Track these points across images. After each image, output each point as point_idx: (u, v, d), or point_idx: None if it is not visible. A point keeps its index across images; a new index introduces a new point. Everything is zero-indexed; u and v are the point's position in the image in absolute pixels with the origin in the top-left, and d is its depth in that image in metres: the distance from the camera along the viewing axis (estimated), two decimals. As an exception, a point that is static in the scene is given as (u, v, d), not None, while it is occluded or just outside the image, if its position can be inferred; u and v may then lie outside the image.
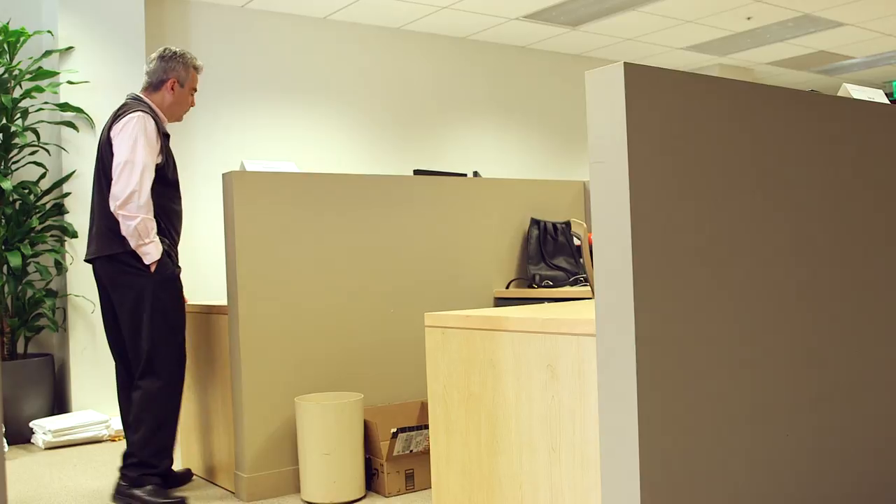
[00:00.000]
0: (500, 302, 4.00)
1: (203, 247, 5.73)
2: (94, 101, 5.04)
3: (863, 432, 2.26)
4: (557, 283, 4.03)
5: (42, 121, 5.00)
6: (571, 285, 4.03)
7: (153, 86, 3.41)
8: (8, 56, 4.87)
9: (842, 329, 2.20)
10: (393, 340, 3.71)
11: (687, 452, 1.80)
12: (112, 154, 3.22)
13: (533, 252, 4.12)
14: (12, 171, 4.91)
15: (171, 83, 3.39)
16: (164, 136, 3.35)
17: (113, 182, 3.17)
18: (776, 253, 2.03)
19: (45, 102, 4.97)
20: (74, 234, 4.95)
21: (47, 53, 5.02)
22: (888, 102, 2.47)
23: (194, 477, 3.75)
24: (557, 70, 7.93)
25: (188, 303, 3.69)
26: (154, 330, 3.25)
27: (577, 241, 4.23)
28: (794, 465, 2.05)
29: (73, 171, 5.02)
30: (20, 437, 4.66)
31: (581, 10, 6.66)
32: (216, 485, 3.63)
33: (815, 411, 2.11)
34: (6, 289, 4.76)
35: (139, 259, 3.20)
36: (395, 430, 3.23)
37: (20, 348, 4.94)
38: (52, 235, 4.98)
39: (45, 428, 4.53)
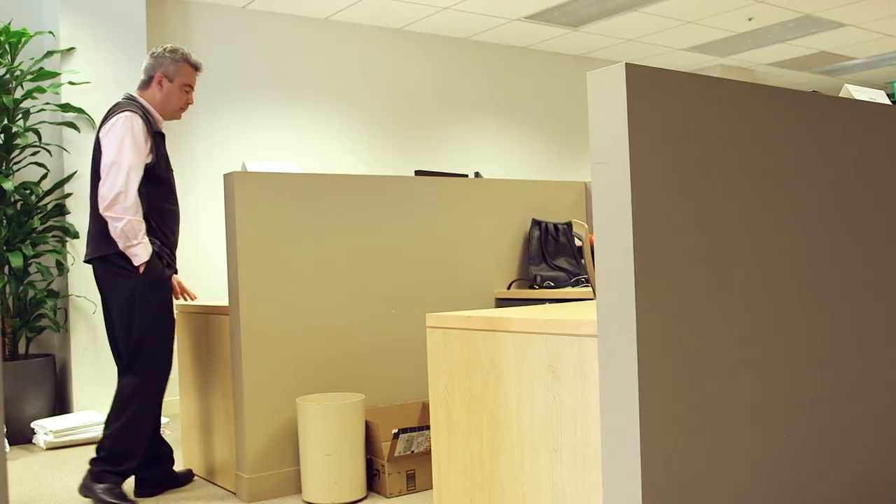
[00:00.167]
0: (502, 303, 4.00)
1: (204, 247, 5.74)
2: (96, 102, 5.04)
3: (864, 432, 2.26)
4: (559, 284, 4.03)
5: (43, 121, 5.00)
6: (573, 286, 4.03)
7: (144, 83, 3.41)
8: (9, 57, 4.88)
9: (843, 329, 2.20)
10: (394, 341, 3.71)
11: (688, 452, 1.80)
12: (101, 155, 3.23)
13: (534, 253, 4.12)
14: (14, 172, 4.91)
15: (158, 78, 3.38)
16: (157, 135, 3.33)
17: (101, 184, 3.18)
18: (777, 253, 2.03)
19: (47, 103, 4.97)
20: (76, 235, 4.95)
21: (49, 54, 5.02)
22: (890, 103, 2.47)
23: (195, 477, 3.75)
24: (559, 71, 7.93)
25: (195, 302, 3.70)
26: (140, 330, 3.25)
27: (578, 242, 4.23)
28: (794, 465, 2.05)
29: (75, 172, 5.03)
30: (21, 437, 4.66)
31: (582, 11, 6.66)
32: (217, 485, 3.64)
33: (815, 411, 2.11)
34: (8, 289, 4.77)
35: (129, 260, 3.20)
36: (396, 430, 3.23)
37: (21, 349, 4.94)
38: (53, 236, 4.98)
39: (46, 428, 4.53)
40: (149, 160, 3.26)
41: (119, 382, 3.31)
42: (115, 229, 3.16)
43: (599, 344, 1.79)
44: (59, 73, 5.03)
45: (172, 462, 3.58)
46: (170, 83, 3.39)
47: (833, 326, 2.17)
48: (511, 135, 7.68)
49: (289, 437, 3.44)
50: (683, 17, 6.89)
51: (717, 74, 8.40)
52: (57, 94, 5.04)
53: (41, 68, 4.96)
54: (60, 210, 5.01)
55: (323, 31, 6.61)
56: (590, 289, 3.67)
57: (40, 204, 4.94)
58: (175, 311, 3.90)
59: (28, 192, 4.87)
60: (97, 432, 4.60)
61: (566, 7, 6.53)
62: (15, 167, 4.93)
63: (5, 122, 4.83)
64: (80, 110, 4.97)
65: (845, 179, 2.23)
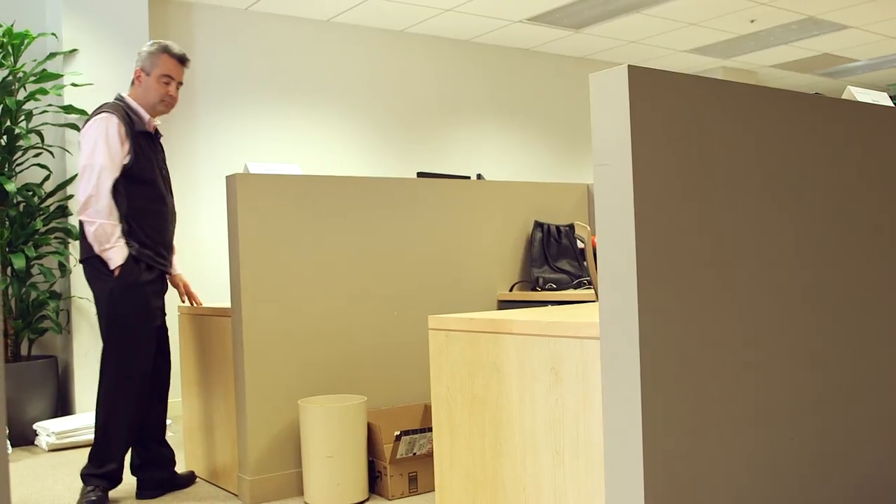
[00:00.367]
0: (504, 305, 4.00)
1: (205, 249, 5.74)
2: (98, 104, 5.00)
3: (866, 435, 2.25)
4: (561, 286, 4.03)
5: (46, 123, 5.01)
6: (575, 288, 4.02)
7: (131, 82, 3.42)
8: (12, 58, 4.88)
9: (846, 331, 2.20)
10: (396, 343, 3.70)
11: (691, 455, 1.80)
12: None
13: (536, 255, 4.12)
14: (16, 174, 4.92)
15: (137, 73, 3.38)
16: (141, 135, 3.30)
17: (76, 187, 3.19)
18: (780, 255, 2.03)
19: (49, 105, 4.98)
20: (78, 237, 4.94)
21: (51, 56, 5.03)
22: (892, 105, 2.47)
23: (197, 479, 3.75)
24: (561, 73, 7.94)
25: (202, 305, 3.69)
26: (107, 333, 3.25)
27: (580, 244, 4.23)
28: (797, 467, 2.05)
29: (77, 174, 5.02)
30: (24, 439, 4.66)
31: (584, 13, 6.66)
32: (219, 487, 3.63)
33: (818, 414, 2.11)
34: (10, 291, 4.77)
35: (105, 263, 3.20)
36: (398, 432, 3.22)
37: (24, 350, 4.95)
38: (55, 237, 4.99)
39: (48, 430, 4.53)
40: (126, 161, 3.24)
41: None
42: (88, 233, 3.18)
43: (602, 346, 1.79)
44: (62, 75, 5.04)
45: (174, 465, 3.58)
46: (147, 76, 3.36)
47: (836, 328, 2.17)
48: (513, 137, 7.68)
49: (291, 439, 3.43)
50: (686, 19, 6.89)
51: (720, 76, 8.40)
52: (59, 95, 5.04)
53: (44, 70, 4.96)
54: (63, 212, 5.01)
55: (325, 32, 6.62)
56: (592, 291, 3.67)
57: (43, 205, 4.94)
58: (177, 312, 3.92)
59: (30, 193, 4.88)
60: (99, 434, 4.62)
61: (568, 9, 6.54)
62: (17, 169, 4.93)
63: (8, 123, 4.84)
64: (82, 112, 4.97)
65: (848, 181, 2.23)
